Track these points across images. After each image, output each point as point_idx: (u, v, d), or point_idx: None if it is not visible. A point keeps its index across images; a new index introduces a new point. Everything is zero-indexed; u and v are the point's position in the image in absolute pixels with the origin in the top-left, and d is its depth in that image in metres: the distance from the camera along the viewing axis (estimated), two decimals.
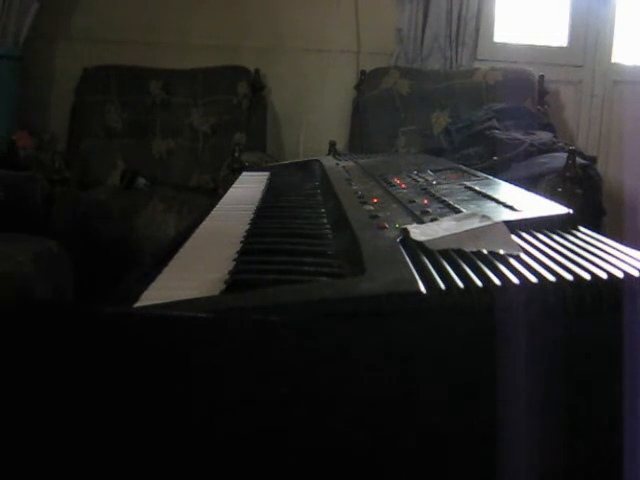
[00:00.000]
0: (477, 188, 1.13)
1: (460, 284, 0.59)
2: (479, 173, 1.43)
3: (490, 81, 3.23)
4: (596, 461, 0.60)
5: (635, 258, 0.67)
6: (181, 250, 0.93)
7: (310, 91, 3.43)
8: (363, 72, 3.36)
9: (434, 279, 0.60)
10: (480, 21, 3.38)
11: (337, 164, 1.71)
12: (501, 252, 0.68)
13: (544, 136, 2.87)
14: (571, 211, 0.89)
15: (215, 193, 2.50)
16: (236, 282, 0.73)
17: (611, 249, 0.71)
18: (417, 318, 0.57)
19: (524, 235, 0.78)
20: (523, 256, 0.67)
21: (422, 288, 0.58)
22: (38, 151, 2.98)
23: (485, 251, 0.69)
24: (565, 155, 2.48)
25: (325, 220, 1.07)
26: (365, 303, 0.58)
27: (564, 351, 0.58)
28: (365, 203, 1.06)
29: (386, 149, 3.14)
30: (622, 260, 0.66)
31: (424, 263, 0.66)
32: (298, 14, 3.41)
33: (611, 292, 0.60)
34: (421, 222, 0.87)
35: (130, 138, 3.26)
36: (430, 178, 1.32)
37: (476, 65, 3.36)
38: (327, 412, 0.55)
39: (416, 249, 0.72)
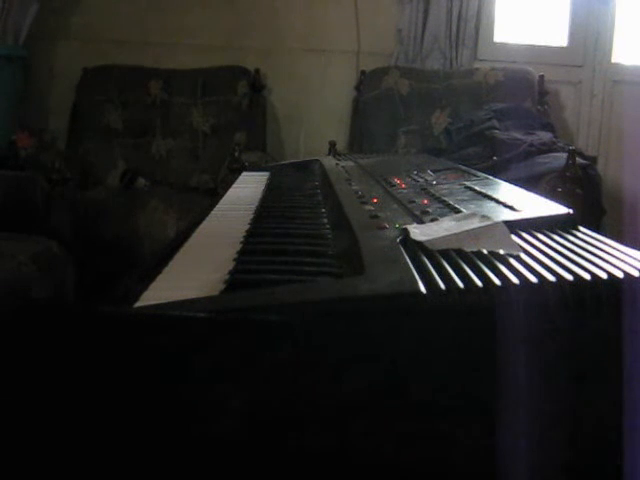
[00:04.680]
0: (477, 188, 1.13)
1: (460, 284, 0.59)
2: (479, 173, 1.43)
3: (490, 81, 3.22)
4: (596, 461, 0.60)
5: (635, 258, 0.67)
6: (181, 250, 0.93)
7: (310, 91, 3.43)
8: (363, 72, 3.36)
9: (434, 279, 0.60)
10: (480, 21, 3.38)
11: (337, 164, 1.71)
12: (501, 252, 0.68)
13: (544, 136, 2.86)
14: (571, 211, 0.89)
15: (215, 193, 2.50)
16: (236, 282, 0.73)
17: (611, 249, 0.71)
18: (417, 318, 0.57)
19: (524, 235, 0.79)
20: (523, 256, 0.67)
21: (422, 288, 0.58)
22: (38, 151, 2.98)
23: (485, 251, 0.69)
24: (565, 155, 2.48)
25: (325, 220, 1.07)
26: (365, 303, 0.58)
27: (564, 351, 0.58)
28: (365, 203, 1.06)
29: (386, 149, 3.14)
30: (622, 260, 0.66)
31: (424, 263, 0.66)
32: (298, 14, 3.41)
33: (611, 292, 0.60)
34: (421, 222, 0.87)
35: (130, 138, 3.25)
36: (430, 178, 1.32)
37: (476, 65, 3.36)
38: (327, 412, 0.55)
39: (416, 249, 0.72)
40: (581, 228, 0.84)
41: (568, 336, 0.58)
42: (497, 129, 2.92)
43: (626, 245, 0.72)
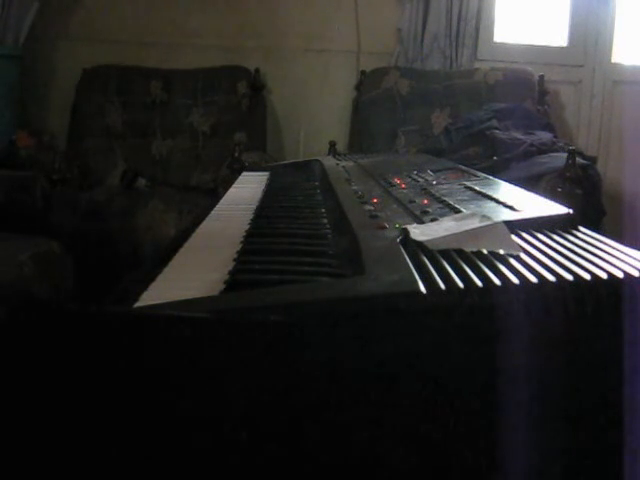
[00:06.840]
0: (477, 188, 1.13)
1: (460, 284, 0.59)
2: (479, 173, 1.43)
3: (490, 81, 3.23)
4: (596, 460, 0.60)
5: (635, 258, 0.67)
6: (181, 250, 0.93)
7: (310, 91, 3.43)
8: (363, 72, 3.36)
9: (434, 279, 0.60)
10: (480, 21, 3.38)
11: (337, 164, 1.71)
12: (501, 252, 0.68)
13: (544, 136, 2.86)
14: (571, 211, 0.89)
15: (215, 193, 2.50)
16: (236, 282, 0.73)
17: (611, 249, 0.71)
18: (417, 318, 0.57)
19: (524, 235, 0.79)
20: (523, 256, 0.67)
21: (422, 288, 0.58)
22: (38, 151, 2.98)
23: (485, 251, 0.69)
24: (565, 155, 2.48)
25: (325, 220, 1.07)
26: (365, 303, 0.58)
27: (564, 351, 0.58)
28: (365, 203, 1.06)
29: (386, 149, 3.14)
30: (622, 260, 0.66)
31: (424, 263, 0.66)
32: (298, 14, 3.41)
33: (611, 292, 0.60)
34: (421, 222, 0.87)
35: (130, 138, 3.25)
36: (430, 178, 1.32)
37: (476, 65, 3.36)
38: (327, 412, 0.55)
39: (416, 249, 0.72)
40: (581, 228, 0.84)
41: (568, 336, 0.58)
42: (497, 129, 2.92)
43: (626, 245, 0.72)
